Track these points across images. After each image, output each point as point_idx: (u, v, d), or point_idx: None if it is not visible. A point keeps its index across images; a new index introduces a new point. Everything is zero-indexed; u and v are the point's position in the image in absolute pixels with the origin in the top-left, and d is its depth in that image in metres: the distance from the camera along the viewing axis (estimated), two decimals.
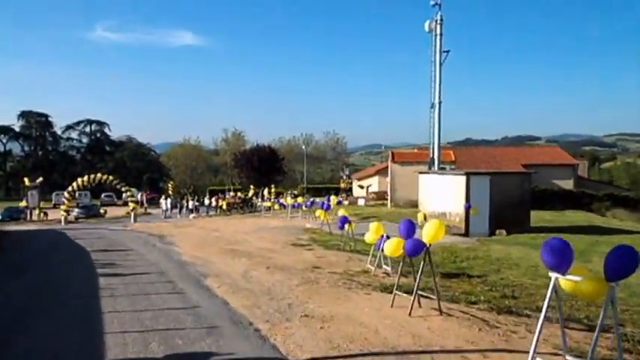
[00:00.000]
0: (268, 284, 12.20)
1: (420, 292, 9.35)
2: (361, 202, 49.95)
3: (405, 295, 10.05)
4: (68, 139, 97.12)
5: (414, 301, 9.15)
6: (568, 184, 52.18)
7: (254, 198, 48.87)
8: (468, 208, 24.50)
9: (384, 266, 14.14)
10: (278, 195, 53.31)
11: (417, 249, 9.03)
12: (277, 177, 54.98)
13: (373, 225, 14.41)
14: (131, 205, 44.22)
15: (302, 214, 35.35)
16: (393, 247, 9.54)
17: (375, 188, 69.68)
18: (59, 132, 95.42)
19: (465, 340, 7.79)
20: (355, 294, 11.05)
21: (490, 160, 49.49)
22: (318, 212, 25.98)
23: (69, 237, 26.41)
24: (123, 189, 45.67)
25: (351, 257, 16.84)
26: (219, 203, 54.28)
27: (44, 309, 10.36)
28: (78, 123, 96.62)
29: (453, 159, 44.05)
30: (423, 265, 9.12)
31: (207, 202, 53.44)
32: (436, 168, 37.93)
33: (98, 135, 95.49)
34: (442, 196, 26.66)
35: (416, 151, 62.00)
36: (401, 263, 9.88)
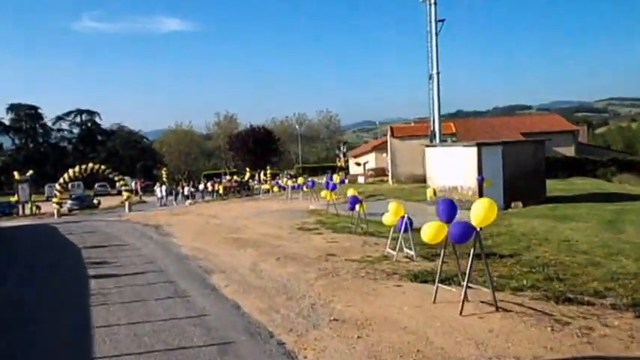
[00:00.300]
0: (282, 279, 10.64)
1: (470, 285, 7.80)
2: (361, 179, 48.31)
3: (445, 287, 8.51)
4: (59, 130, 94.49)
5: (465, 297, 7.58)
6: (569, 151, 50.73)
7: (251, 181, 47.15)
8: (481, 181, 22.96)
9: (407, 250, 12.61)
10: (275, 176, 51.73)
11: (465, 234, 7.45)
12: (273, 158, 53.26)
13: (392, 205, 12.83)
14: (125, 194, 42.48)
15: (303, 195, 33.73)
16: (434, 232, 7.92)
17: (372, 165, 68.16)
18: (49, 124, 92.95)
19: (541, 345, 6.24)
20: (384, 287, 9.50)
21: (490, 130, 47.78)
22: (324, 192, 24.39)
23: (61, 232, 24.72)
24: (116, 178, 43.90)
25: (365, 241, 15.28)
26: (216, 188, 52.66)
27: (24, 327, 8.75)
28: (68, 113, 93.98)
29: (454, 131, 42.41)
30: (474, 252, 7.57)
31: (202, 187, 51.71)
32: (437, 141, 36.30)
33: (89, 125, 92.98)
34: (452, 169, 25.10)
35: (413, 124, 60.44)
36: (442, 251, 8.29)
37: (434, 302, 8.09)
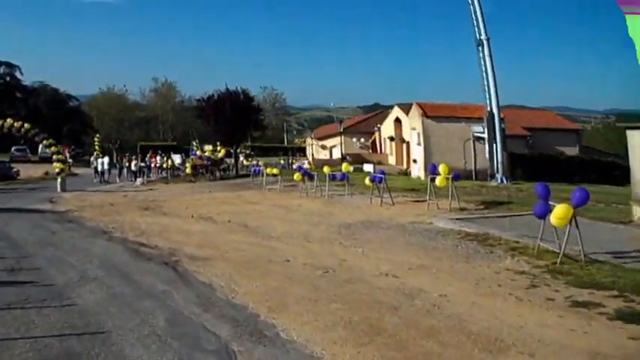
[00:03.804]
0: None
1: None
2: (367, 167, 36.42)
3: None
4: None
5: None
6: (573, 152, 41.91)
7: (226, 160, 34.44)
8: None
9: None
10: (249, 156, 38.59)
11: None
12: (255, 132, 40.26)
13: None
14: (57, 166, 28.42)
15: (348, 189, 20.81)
16: None
17: (338, 150, 56.61)
18: None
19: None
20: None
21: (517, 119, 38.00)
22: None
23: None
24: (45, 142, 29.57)
25: None
26: (168, 164, 39.23)
27: None
28: None
29: (502, 116, 31.96)
30: None
31: (134, 163, 38.19)
32: (497, 126, 25.63)
33: (7, 79, 73.83)
34: None
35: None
36: None
37: None
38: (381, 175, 17.46)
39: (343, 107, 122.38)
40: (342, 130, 42.88)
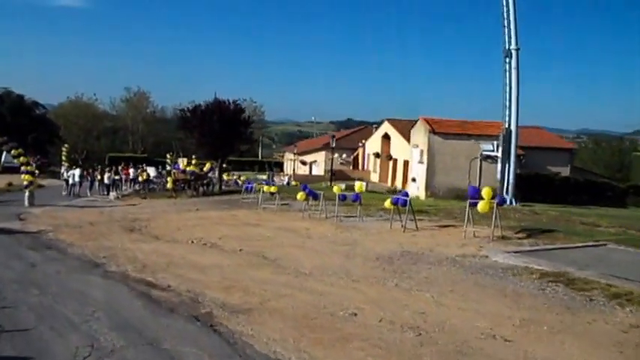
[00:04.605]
0: None
1: None
2: (342, 185, 33.99)
3: None
4: None
5: None
6: (564, 172, 40.93)
7: (210, 174, 31.69)
8: None
9: None
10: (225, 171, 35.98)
11: None
12: (242, 146, 37.65)
13: None
14: (26, 178, 25.41)
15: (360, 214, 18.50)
16: None
17: (321, 165, 54.47)
18: None
19: None
20: None
21: None
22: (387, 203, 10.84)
23: None
24: (13, 151, 26.45)
25: None
26: (143, 177, 36.42)
27: None
28: None
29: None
30: None
31: (107, 175, 35.34)
32: (513, 143, 24.08)
33: None
34: None
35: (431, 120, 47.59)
36: None
37: None
38: (405, 198, 15.42)
39: (317, 122, 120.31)
40: (334, 145, 40.81)
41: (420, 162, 27.50)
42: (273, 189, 22.40)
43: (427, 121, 27.44)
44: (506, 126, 23.97)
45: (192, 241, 14.32)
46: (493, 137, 25.85)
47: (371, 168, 46.47)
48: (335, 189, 19.40)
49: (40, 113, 68.76)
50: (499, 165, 23.87)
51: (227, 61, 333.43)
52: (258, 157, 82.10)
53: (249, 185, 26.02)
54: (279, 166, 65.87)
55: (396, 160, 40.55)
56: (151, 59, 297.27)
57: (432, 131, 26.62)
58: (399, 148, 39.50)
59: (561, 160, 41.73)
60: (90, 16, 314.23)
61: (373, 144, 44.65)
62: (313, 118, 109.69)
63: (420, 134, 27.80)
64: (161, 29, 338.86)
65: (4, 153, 33.53)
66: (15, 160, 28.01)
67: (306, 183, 32.78)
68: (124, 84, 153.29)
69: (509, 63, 23.70)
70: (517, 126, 23.81)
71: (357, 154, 50.19)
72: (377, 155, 44.05)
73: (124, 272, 10.04)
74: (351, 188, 24.87)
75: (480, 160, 25.97)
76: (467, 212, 13.91)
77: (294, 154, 52.96)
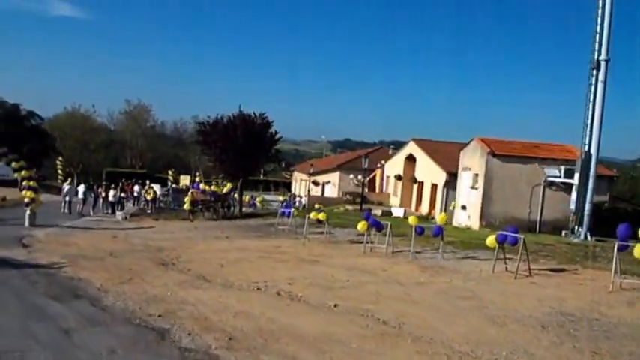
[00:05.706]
0: None
1: None
2: (398, 212, 31.08)
3: None
4: None
5: None
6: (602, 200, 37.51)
7: (230, 195, 28.19)
8: None
9: None
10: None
11: None
12: (267, 165, 34.25)
13: None
14: (28, 195, 21.94)
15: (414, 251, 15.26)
16: None
17: (335, 187, 51.01)
18: None
19: None
20: None
21: None
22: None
23: None
24: (14, 164, 22.89)
25: None
26: (151, 196, 32.93)
27: None
28: None
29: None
30: None
31: (112, 193, 32.11)
32: (593, 169, 21.13)
33: None
34: None
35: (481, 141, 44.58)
36: None
37: None
38: (516, 235, 12.22)
39: (314, 141, 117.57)
40: (366, 166, 37.33)
41: (473, 187, 24.34)
42: (321, 216, 19.02)
43: (485, 141, 24.35)
44: (586, 149, 20.97)
45: (258, 288, 10.95)
46: (558, 162, 22.94)
47: (391, 191, 43.25)
48: (410, 220, 16.05)
49: (35, 124, 64.86)
50: (573, 194, 20.83)
51: (226, 77, 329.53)
52: (261, 176, 78.58)
53: (287, 210, 22.66)
54: (286, 186, 62.34)
55: (422, 184, 37.49)
56: (151, 73, 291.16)
57: (492, 153, 23.52)
58: (425, 170, 36.48)
59: (600, 188, 38.60)
60: (90, 26, 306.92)
61: (395, 166, 41.53)
62: (323, 136, 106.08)
63: (474, 156, 24.69)
64: (163, 43, 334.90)
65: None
66: (16, 174, 24.43)
67: (321, 205, 29.93)
68: (124, 97, 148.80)
69: (596, 76, 20.74)
70: (598, 149, 20.82)
71: (374, 176, 46.91)
72: (399, 178, 40.94)
73: (207, 351, 6.64)
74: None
75: (544, 187, 22.96)
76: (614, 258, 10.73)
77: (309, 174, 49.45)
